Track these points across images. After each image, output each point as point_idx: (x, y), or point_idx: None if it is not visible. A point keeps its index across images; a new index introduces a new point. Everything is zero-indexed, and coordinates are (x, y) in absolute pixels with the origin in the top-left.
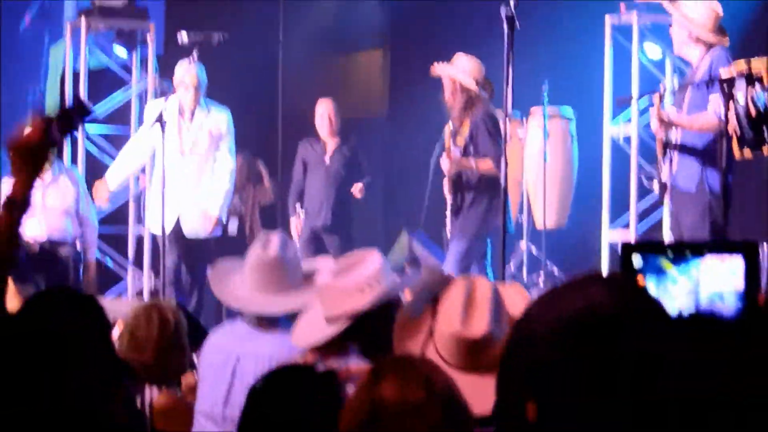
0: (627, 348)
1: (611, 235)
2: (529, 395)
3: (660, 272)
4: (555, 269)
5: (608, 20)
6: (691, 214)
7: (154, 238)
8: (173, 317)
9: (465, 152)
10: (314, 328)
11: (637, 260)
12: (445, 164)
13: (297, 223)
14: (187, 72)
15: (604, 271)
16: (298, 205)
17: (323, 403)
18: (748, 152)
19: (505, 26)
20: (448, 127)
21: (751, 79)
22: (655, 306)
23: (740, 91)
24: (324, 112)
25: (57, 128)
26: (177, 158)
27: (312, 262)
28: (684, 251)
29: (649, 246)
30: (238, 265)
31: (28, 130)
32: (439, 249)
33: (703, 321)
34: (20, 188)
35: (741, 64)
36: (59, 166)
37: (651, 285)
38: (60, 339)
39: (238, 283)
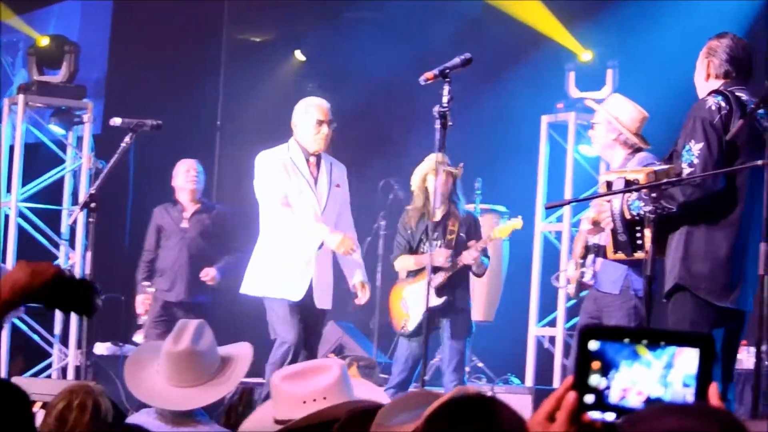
0: None
1: (538, 331)
2: None
3: (635, 356)
4: (481, 364)
5: (544, 119)
6: (615, 316)
7: None
8: (104, 403)
9: (454, 246)
10: (263, 424)
11: (594, 345)
12: (441, 257)
13: (145, 298)
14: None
15: (530, 366)
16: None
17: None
18: (621, 255)
19: (438, 124)
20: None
21: (629, 184)
22: None
23: (617, 197)
24: (190, 169)
25: (57, 288)
26: None
27: (230, 348)
28: (658, 340)
29: (609, 332)
30: (156, 351)
31: (39, 269)
32: (367, 339)
33: None
34: None
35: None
36: None
37: (625, 368)
38: None
39: (153, 374)
